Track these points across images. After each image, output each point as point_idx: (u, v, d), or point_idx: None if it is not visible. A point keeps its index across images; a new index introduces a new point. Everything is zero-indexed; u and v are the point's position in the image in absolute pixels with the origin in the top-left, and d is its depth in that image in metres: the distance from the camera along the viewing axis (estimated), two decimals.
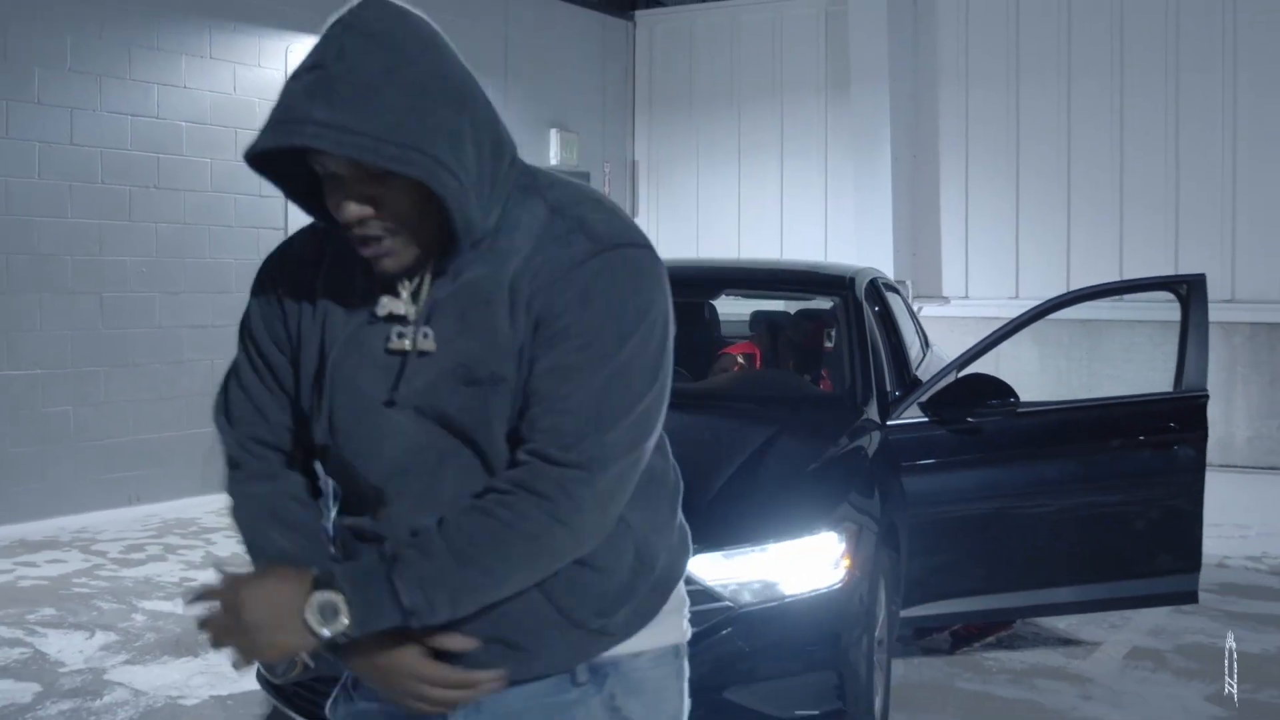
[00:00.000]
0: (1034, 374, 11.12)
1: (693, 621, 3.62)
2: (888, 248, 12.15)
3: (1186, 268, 11.23)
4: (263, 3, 9.68)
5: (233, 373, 2.04)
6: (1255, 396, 11.03)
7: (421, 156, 1.71)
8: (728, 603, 3.85)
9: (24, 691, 5.09)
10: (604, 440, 1.77)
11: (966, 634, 5.75)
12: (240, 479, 2.01)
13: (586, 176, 13.05)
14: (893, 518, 4.66)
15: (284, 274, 1.97)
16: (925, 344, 7.05)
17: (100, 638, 5.83)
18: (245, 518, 2.00)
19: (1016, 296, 11.73)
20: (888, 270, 11.56)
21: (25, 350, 8.32)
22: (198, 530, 8.25)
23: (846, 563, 4.03)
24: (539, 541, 1.76)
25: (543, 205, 1.85)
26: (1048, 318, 10.92)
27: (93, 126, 8.63)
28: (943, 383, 5.12)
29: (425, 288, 1.83)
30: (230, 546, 7.71)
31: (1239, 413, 11.06)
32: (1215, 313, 10.93)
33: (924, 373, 5.91)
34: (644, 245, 1.84)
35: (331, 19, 1.78)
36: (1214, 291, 11.00)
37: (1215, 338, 10.92)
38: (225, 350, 9.42)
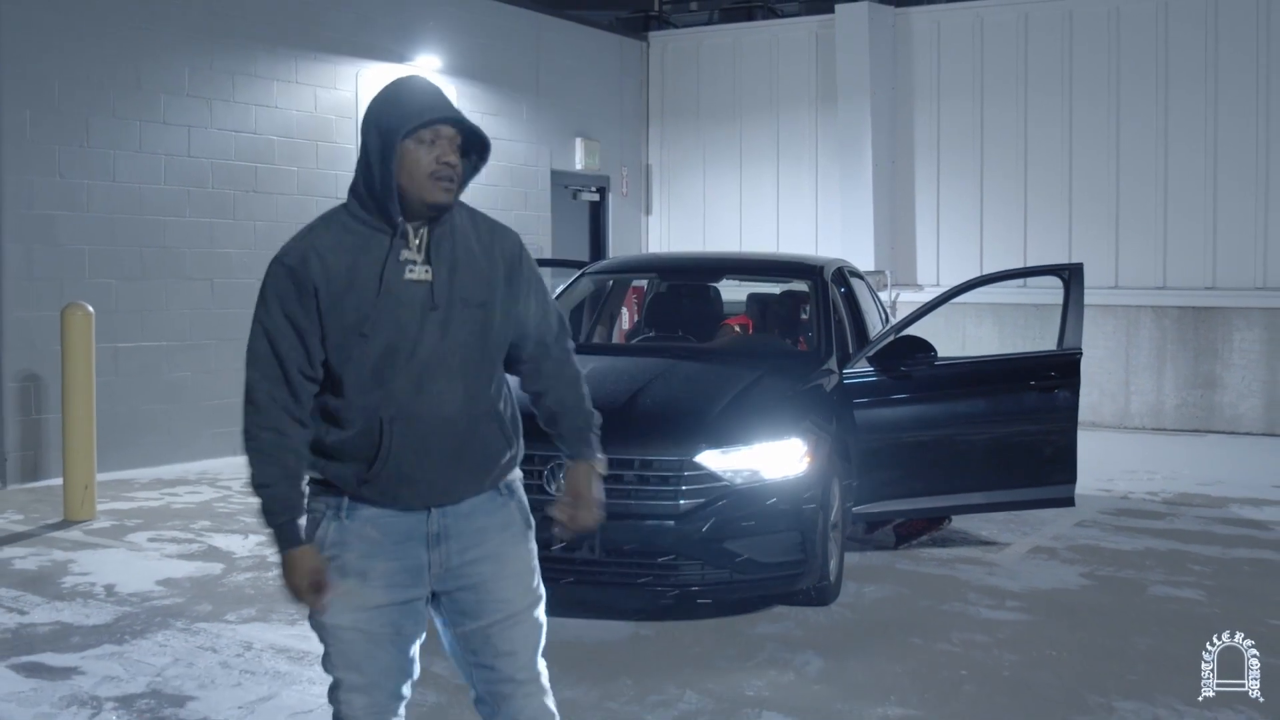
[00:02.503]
0: (993, 351, 12.85)
1: (701, 495, 5.47)
2: (869, 241, 13.91)
3: (1125, 258, 13.07)
4: (338, 35, 11.51)
5: (265, 335, 2.95)
6: (1183, 369, 12.80)
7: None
8: (726, 483, 5.70)
9: (213, 568, 6.94)
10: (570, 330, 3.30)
11: (906, 533, 7.58)
12: (256, 420, 2.94)
13: (607, 179, 14.87)
14: (844, 437, 6.51)
15: (306, 266, 2.93)
16: (885, 319, 8.86)
17: (254, 539, 7.66)
18: (255, 450, 2.93)
19: None
20: (869, 261, 13.41)
21: (154, 326, 10.17)
22: None
23: (808, 460, 5.88)
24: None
25: (463, 212, 3.07)
26: (1007, 303, 12.82)
27: (206, 141, 10.47)
28: (885, 342, 6.97)
29: (425, 241, 2.98)
30: None
31: (1168, 383, 12.85)
32: (1149, 297, 12.91)
33: None
34: None
35: (410, 78, 3.11)
36: (1149, 279, 12.98)
37: (1149, 319, 12.85)
38: None
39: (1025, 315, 13.28)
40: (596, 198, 14.92)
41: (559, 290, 7.75)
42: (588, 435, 3.24)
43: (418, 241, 2.97)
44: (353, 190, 3.01)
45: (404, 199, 2.94)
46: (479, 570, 3.06)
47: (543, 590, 3.20)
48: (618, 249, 14.85)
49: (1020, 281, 12.93)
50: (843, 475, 6.42)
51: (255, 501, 2.97)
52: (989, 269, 13.42)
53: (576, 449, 3.23)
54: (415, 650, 3.12)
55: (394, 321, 2.92)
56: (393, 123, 2.91)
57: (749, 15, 15.52)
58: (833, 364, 6.85)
